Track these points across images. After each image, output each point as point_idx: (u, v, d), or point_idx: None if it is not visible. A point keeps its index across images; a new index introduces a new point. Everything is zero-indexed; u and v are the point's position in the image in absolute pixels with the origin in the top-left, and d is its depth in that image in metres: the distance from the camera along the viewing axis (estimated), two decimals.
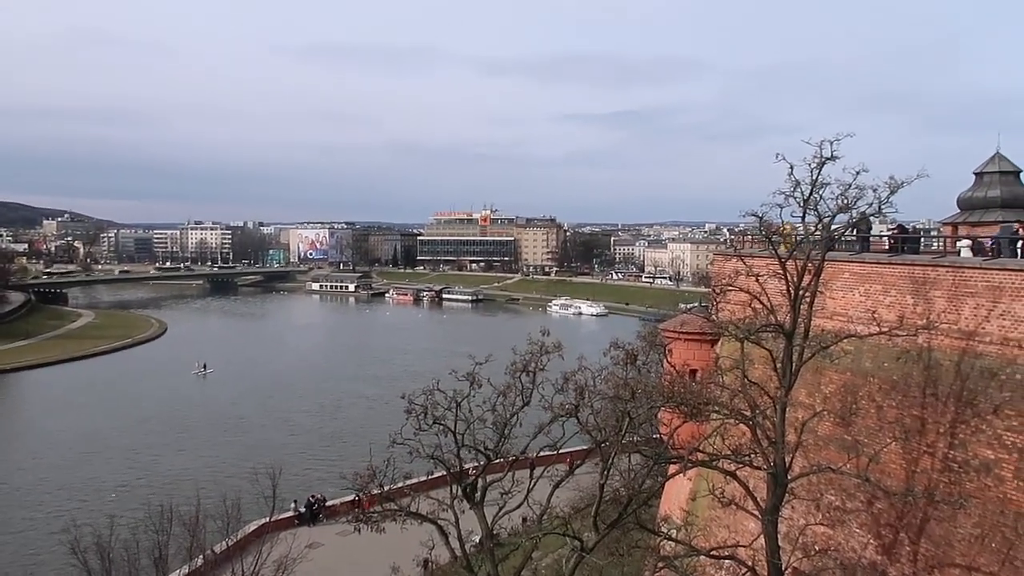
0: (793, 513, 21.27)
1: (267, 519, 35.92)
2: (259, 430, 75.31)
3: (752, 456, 18.57)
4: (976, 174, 30.99)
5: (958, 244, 22.62)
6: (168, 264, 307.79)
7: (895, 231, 25.36)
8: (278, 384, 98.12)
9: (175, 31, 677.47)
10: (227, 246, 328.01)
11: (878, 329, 18.81)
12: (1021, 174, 30.61)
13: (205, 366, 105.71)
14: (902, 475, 19.55)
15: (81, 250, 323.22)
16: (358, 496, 23.02)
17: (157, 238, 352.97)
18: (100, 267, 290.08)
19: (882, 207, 18.28)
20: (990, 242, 21.11)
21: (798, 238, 20.42)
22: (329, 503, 47.36)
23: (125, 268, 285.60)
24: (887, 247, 24.49)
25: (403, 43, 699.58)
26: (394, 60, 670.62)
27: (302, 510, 46.32)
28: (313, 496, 47.82)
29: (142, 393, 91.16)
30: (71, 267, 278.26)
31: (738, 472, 18.99)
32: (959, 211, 31.12)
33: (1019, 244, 20.58)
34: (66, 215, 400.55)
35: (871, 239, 25.28)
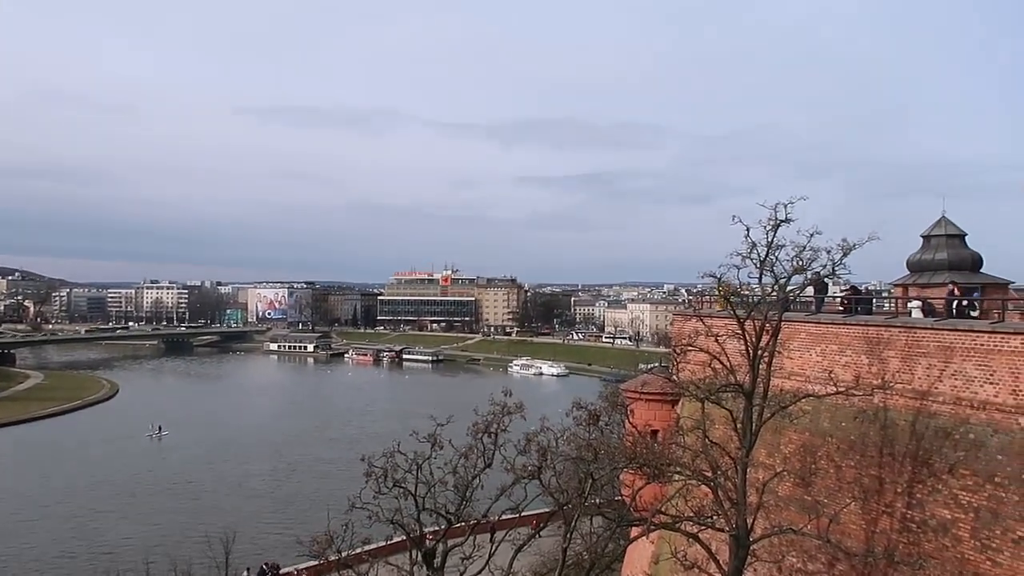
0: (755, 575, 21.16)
1: None
2: (212, 494, 73.19)
3: (714, 518, 18.52)
4: (924, 237, 31.92)
5: (909, 305, 23.19)
6: (124, 324, 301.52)
7: (848, 292, 25.94)
8: (233, 447, 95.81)
9: (135, 92, 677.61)
10: (183, 306, 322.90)
11: (835, 389, 19.08)
12: (966, 237, 31.63)
13: (160, 428, 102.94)
14: (862, 536, 19.61)
15: (31, 309, 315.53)
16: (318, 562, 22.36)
17: (111, 297, 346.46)
18: (51, 327, 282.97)
19: (836, 268, 18.74)
20: (944, 303, 21.76)
21: (752, 298, 20.78)
22: (283, 570, 45.92)
23: (87, 327, 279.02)
24: (840, 307, 25.01)
25: (365, 106, 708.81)
26: (356, 122, 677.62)
27: None
28: (266, 563, 46.35)
29: (90, 457, 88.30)
30: (20, 327, 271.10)
31: (700, 534, 18.89)
32: (909, 273, 31.93)
33: (954, 304, 21.26)
34: (17, 273, 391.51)
35: (825, 300, 25.82)
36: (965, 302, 21.53)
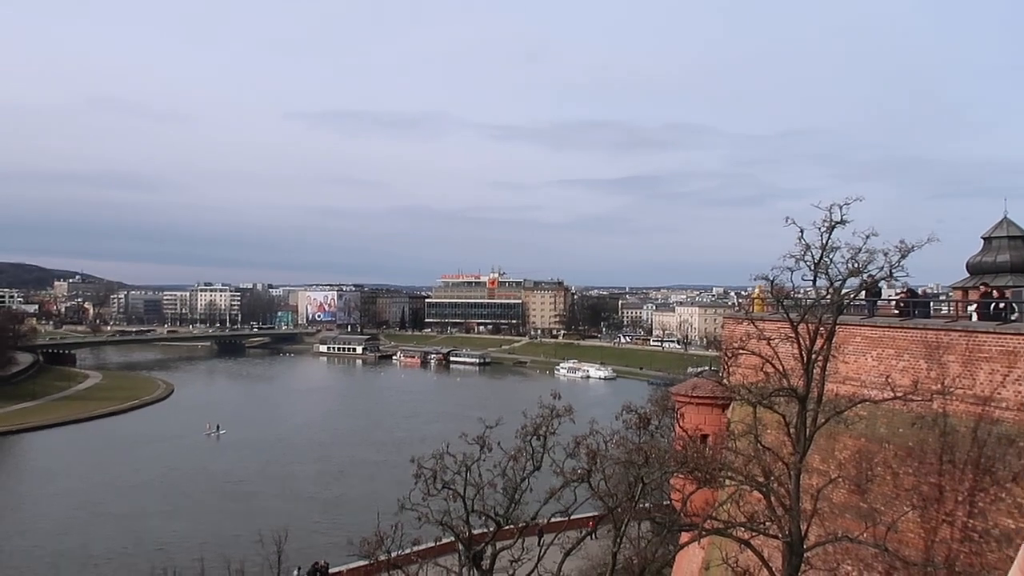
0: None
1: None
2: (265, 493, 74.39)
3: (767, 524, 18.23)
4: (984, 239, 31.08)
5: (969, 308, 22.57)
6: (178, 325, 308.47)
7: (904, 295, 25.32)
8: (285, 447, 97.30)
9: (189, 99, 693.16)
10: (236, 308, 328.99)
11: (892, 394, 18.62)
12: None
13: (218, 427, 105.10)
14: (921, 545, 19.11)
15: (91, 311, 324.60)
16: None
17: (167, 300, 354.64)
18: (110, 328, 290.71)
19: (893, 271, 18.31)
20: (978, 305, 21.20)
21: (806, 301, 20.42)
22: (333, 570, 46.41)
23: (141, 328, 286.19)
24: (896, 311, 24.42)
25: (414, 110, 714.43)
26: (404, 126, 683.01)
27: None
28: (317, 563, 46.88)
29: (146, 456, 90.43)
30: (80, 328, 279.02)
31: (752, 541, 18.60)
32: (968, 275, 31.10)
33: (992, 307, 20.60)
34: (77, 276, 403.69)
35: (879, 303, 25.24)
36: (1002, 304, 20.84)
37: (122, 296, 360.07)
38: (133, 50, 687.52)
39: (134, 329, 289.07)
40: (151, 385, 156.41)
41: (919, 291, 27.89)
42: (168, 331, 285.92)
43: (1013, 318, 20.13)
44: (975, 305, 22.16)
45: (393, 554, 19.51)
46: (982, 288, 22.85)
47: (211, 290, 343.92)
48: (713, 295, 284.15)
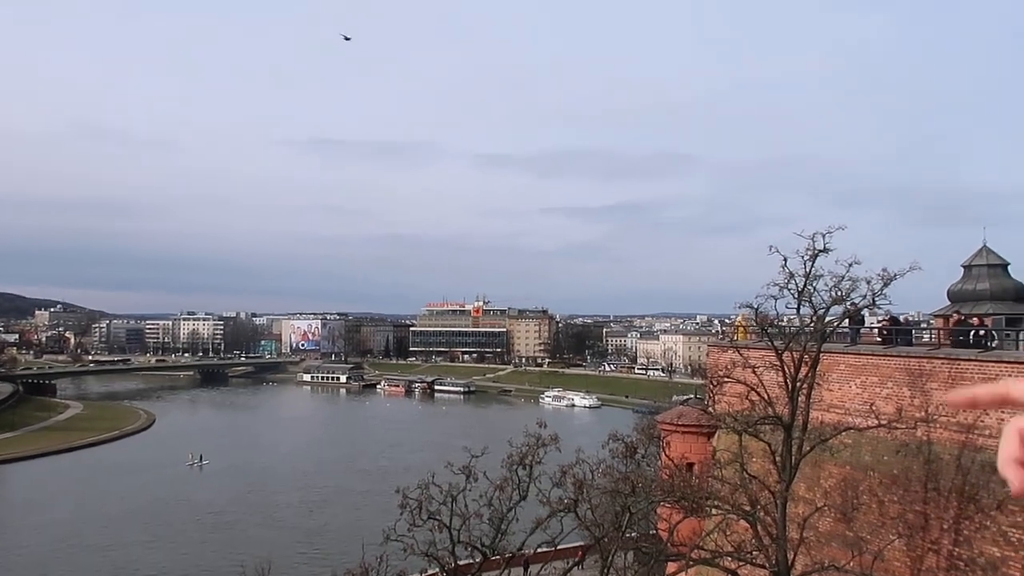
0: None
1: None
2: (247, 524, 73.39)
3: (754, 554, 18.21)
4: (965, 267, 31.44)
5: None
6: (161, 355, 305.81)
7: (887, 322, 25.54)
8: (267, 477, 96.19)
9: (174, 126, 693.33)
10: (219, 337, 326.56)
11: (876, 422, 18.75)
12: (1009, 267, 31.10)
13: (201, 457, 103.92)
14: (907, 573, 19.12)
15: (72, 341, 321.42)
16: None
17: (149, 329, 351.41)
18: (91, 358, 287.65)
19: (876, 299, 18.54)
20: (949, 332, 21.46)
21: (790, 328, 20.57)
22: None
23: (123, 357, 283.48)
24: (879, 338, 24.62)
25: (401, 138, 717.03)
26: (391, 154, 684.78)
27: None
28: None
29: (127, 486, 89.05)
30: (60, 358, 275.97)
31: (739, 570, 18.57)
32: (949, 303, 31.41)
33: (971, 334, 20.85)
34: (59, 305, 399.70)
35: (862, 331, 25.45)
36: (982, 332, 21.11)
37: (104, 325, 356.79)
38: (117, 77, 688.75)
39: (116, 358, 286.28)
40: (132, 415, 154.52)
41: (901, 319, 28.17)
42: (157, 360, 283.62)
43: (993, 345, 20.37)
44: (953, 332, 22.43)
45: None
46: (955, 316, 23.13)
47: (194, 319, 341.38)
48: (697, 323, 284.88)
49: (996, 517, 17.33)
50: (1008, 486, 0.95)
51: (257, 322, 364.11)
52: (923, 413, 19.32)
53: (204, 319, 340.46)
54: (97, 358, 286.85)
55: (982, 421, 18.23)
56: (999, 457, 0.92)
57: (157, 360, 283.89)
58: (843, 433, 19.31)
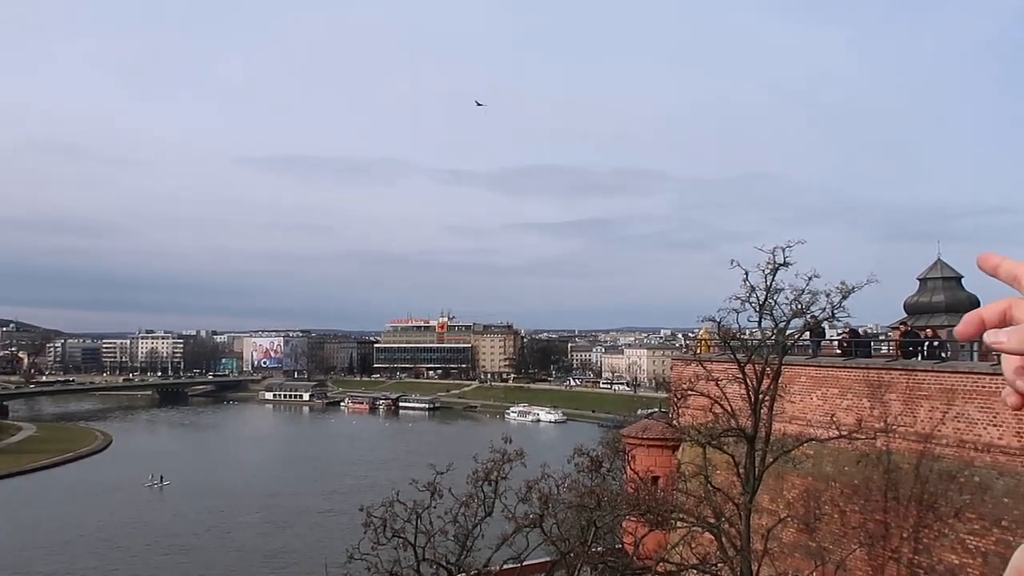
0: None
1: None
2: (207, 546, 71.97)
3: (719, 566, 18.29)
4: (920, 280, 32.14)
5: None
6: (117, 374, 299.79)
7: (847, 335, 25.95)
8: (229, 497, 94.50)
9: (135, 144, 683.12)
10: (179, 355, 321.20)
11: (837, 433, 19.00)
12: (963, 280, 31.83)
13: (161, 478, 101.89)
14: None
15: (26, 360, 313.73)
16: None
17: (106, 348, 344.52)
18: (45, 378, 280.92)
19: (835, 312, 18.83)
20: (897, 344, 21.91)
21: (752, 342, 20.79)
22: None
23: (64, 379, 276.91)
24: (839, 350, 25.01)
25: (365, 155, 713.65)
26: (355, 171, 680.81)
27: None
28: None
29: (82, 510, 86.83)
30: (13, 378, 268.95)
31: None
32: (906, 315, 32.04)
33: (925, 346, 21.33)
34: (11, 324, 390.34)
35: (823, 343, 25.85)
36: (935, 343, 21.59)
37: (59, 344, 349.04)
38: (73, 93, 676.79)
39: (62, 379, 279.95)
40: (88, 436, 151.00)
41: (860, 331, 28.63)
42: (124, 380, 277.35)
43: (944, 356, 20.79)
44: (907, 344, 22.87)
45: None
46: (903, 328, 23.64)
47: (152, 337, 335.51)
48: (661, 337, 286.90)
49: (954, 525, 17.62)
50: (1008, 401, 0.94)
51: (218, 340, 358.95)
52: (882, 424, 19.63)
53: (163, 337, 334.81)
54: (45, 380, 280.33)
55: (939, 430, 18.57)
56: (1004, 368, 0.92)
57: (124, 380, 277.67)
58: (805, 444, 19.53)
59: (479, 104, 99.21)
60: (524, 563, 20.86)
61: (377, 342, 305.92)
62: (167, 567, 65.23)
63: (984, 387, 17.61)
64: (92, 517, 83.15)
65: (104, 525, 79.81)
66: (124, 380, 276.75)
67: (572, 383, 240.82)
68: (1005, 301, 0.98)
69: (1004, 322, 0.96)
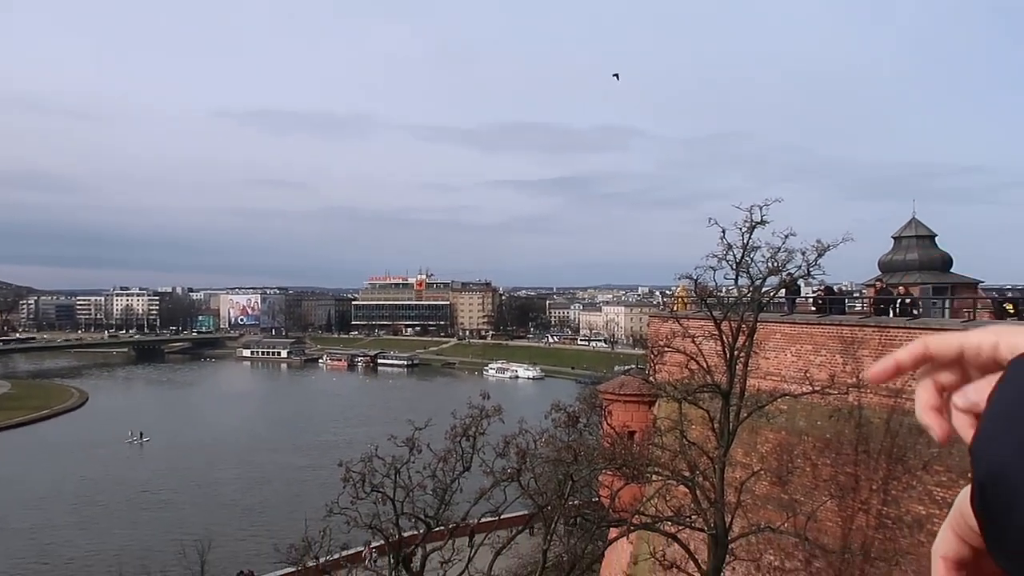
0: (734, 574, 21.29)
1: None
2: (186, 502, 72.26)
3: (693, 518, 18.65)
4: (895, 238, 32.42)
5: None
6: (92, 331, 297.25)
7: (822, 292, 26.23)
8: (208, 454, 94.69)
9: (106, 97, 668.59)
10: (154, 312, 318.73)
11: (811, 388, 19.30)
12: (936, 238, 32.16)
13: (141, 435, 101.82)
14: (838, 533, 19.82)
15: None
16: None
17: (80, 305, 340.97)
18: (19, 334, 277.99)
19: (811, 269, 18.99)
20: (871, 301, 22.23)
21: (729, 299, 20.97)
22: None
23: (28, 336, 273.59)
24: (813, 308, 25.31)
25: (342, 111, 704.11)
26: (332, 127, 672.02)
27: None
28: (242, 572, 45.83)
29: (58, 467, 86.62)
30: None
31: (679, 534, 19.00)
32: (880, 273, 32.38)
33: (897, 303, 21.64)
34: None
35: (798, 300, 26.11)
36: (908, 300, 21.88)
37: (32, 301, 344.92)
38: (41, 45, 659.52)
39: (44, 336, 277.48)
40: (64, 393, 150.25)
41: (835, 289, 28.95)
42: (109, 336, 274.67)
43: (916, 312, 21.11)
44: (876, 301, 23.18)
45: (322, 559, 19.23)
46: (878, 285, 23.93)
47: (128, 294, 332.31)
48: (639, 295, 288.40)
49: (922, 477, 18.05)
50: (932, 435, 0.95)
51: (194, 297, 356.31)
52: (854, 379, 19.94)
53: (138, 294, 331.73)
54: (24, 335, 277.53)
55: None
56: (917, 406, 0.93)
57: (110, 336, 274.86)
58: (779, 400, 19.83)
59: (615, 76, 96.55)
60: (502, 516, 21.15)
61: (355, 299, 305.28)
62: (147, 523, 65.43)
63: None
64: (71, 474, 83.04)
65: (83, 481, 79.80)
66: (110, 336, 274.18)
67: (550, 340, 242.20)
68: (919, 343, 0.98)
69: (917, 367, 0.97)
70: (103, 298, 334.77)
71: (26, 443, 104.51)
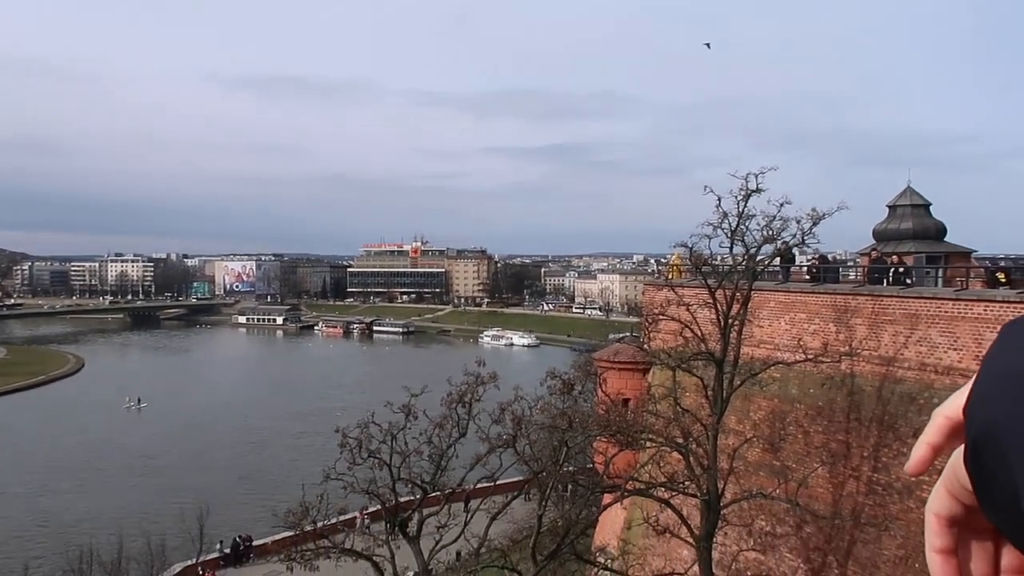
0: (726, 539, 21.60)
1: (193, 560, 34.73)
2: (186, 468, 72.71)
3: (686, 484, 18.88)
4: (889, 207, 32.38)
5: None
6: (87, 298, 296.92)
7: (816, 261, 26.30)
8: (204, 420, 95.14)
9: (98, 58, 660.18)
10: (149, 279, 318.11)
11: (804, 356, 19.43)
12: (931, 207, 32.14)
13: (139, 400, 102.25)
14: (829, 499, 20.10)
15: None
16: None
17: (74, 271, 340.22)
18: (12, 300, 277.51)
19: (805, 238, 19.02)
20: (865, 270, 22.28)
21: (723, 267, 21.03)
22: (258, 542, 45.90)
23: (12, 303, 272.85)
24: (808, 277, 25.40)
25: (337, 75, 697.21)
26: (327, 92, 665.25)
27: (227, 551, 44.79)
28: (239, 536, 46.31)
29: (56, 433, 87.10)
30: None
31: (672, 500, 19.25)
32: (874, 242, 32.42)
33: (891, 272, 21.70)
34: None
35: (791, 269, 26.17)
36: (902, 269, 21.92)
37: (26, 267, 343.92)
38: (36, 10, 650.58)
39: (39, 302, 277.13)
40: (60, 359, 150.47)
41: (830, 257, 29.05)
42: (111, 303, 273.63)
43: (909, 282, 21.19)
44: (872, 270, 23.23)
45: (319, 524, 19.46)
46: (873, 253, 23.98)
47: (122, 261, 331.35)
48: (634, 262, 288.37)
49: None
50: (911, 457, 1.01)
51: (189, 263, 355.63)
52: (847, 347, 20.09)
53: (133, 260, 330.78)
54: (24, 301, 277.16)
55: (902, 354, 19.07)
56: (921, 437, 0.98)
57: (111, 303, 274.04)
58: (772, 368, 19.98)
59: (707, 46, 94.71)
60: (497, 482, 21.40)
61: (350, 266, 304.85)
62: (146, 487, 65.95)
63: (947, 312, 18.04)
64: (69, 439, 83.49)
65: (82, 447, 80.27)
66: (111, 303, 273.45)
67: (545, 308, 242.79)
68: (939, 417, 1.02)
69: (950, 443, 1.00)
70: (98, 264, 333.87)
71: (24, 409, 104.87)
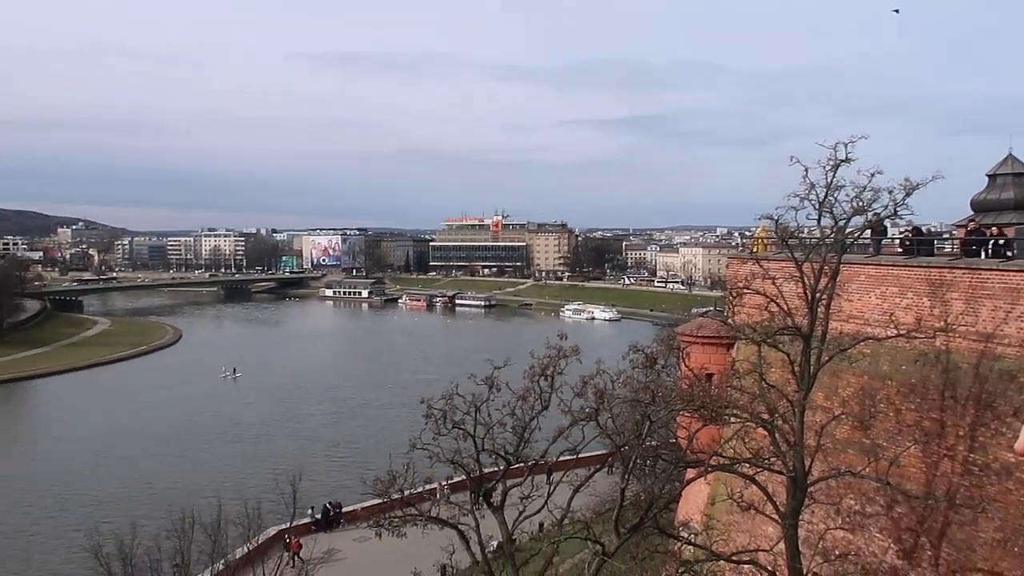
0: (812, 518, 21.28)
1: (287, 524, 36.19)
2: (279, 436, 75.68)
3: (771, 460, 18.62)
4: (989, 176, 30.90)
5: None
6: (183, 271, 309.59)
7: (910, 233, 25.32)
8: (297, 390, 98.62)
9: (190, 42, 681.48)
10: (240, 253, 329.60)
11: (895, 332, 18.84)
12: None
13: (235, 370, 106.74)
14: (922, 479, 19.54)
15: (96, 257, 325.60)
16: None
17: (171, 245, 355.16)
18: (115, 274, 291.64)
19: (898, 209, 18.29)
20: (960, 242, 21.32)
21: (811, 240, 20.51)
22: (347, 509, 47.53)
23: (107, 276, 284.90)
24: (900, 249, 24.51)
25: (417, 51, 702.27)
26: (407, 68, 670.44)
27: (318, 516, 46.52)
28: (330, 502, 48.03)
29: (158, 400, 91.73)
30: (85, 275, 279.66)
31: (757, 476, 19.04)
32: (972, 213, 31.02)
33: (990, 244, 20.63)
34: (80, 223, 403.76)
35: (883, 242, 25.26)
36: (1002, 241, 20.83)
37: (126, 242, 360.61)
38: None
39: (138, 276, 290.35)
40: (160, 331, 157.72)
41: (924, 229, 27.93)
42: (209, 276, 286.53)
43: (1009, 254, 20.19)
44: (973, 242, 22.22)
45: (406, 492, 20.03)
46: (971, 225, 22.92)
47: (215, 235, 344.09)
48: (717, 236, 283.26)
49: (1012, 424, 17.57)
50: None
51: (277, 238, 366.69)
52: (942, 323, 19.38)
53: (225, 235, 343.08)
54: (126, 274, 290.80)
55: (1001, 330, 18.31)
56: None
57: (209, 276, 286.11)
58: (862, 343, 19.45)
59: (896, 11, 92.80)
60: (580, 455, 21.54)
61: (432, 240, 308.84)
62: (242, 453, 68.92)
63: None
64: (168, 407, 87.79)
65: (180, 413, 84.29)
66: (210, 276, 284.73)
67: (626, 281, 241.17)
68: None
69: None
70: (192, 239, 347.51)
71: (127, 377, 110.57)
